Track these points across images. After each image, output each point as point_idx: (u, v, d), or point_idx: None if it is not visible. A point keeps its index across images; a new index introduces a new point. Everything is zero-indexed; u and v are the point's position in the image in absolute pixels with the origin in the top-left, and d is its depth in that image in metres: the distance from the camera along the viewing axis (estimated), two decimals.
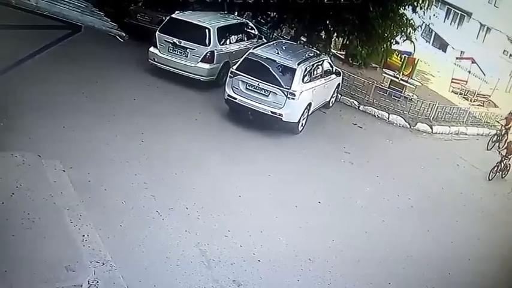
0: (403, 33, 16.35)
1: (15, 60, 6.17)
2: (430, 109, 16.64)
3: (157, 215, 8.14)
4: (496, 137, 16.81)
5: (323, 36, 16.40)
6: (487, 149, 16.06)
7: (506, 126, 16.92)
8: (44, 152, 8.12)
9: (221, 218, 8.52)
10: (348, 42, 17.94)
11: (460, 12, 33.51)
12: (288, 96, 11.63)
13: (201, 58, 13.00)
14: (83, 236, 6.82)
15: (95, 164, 8.85)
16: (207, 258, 7.54)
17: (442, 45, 34.15)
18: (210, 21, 13.48)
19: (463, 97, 22.04)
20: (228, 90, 12.02)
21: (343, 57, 19.81)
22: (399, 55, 19.40)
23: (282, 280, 7.60)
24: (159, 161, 9.61)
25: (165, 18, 13.78)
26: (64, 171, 7.96)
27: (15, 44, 10.11)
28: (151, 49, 13.26)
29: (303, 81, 12.06)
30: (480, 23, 32.14)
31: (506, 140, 16.23)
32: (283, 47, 13.14)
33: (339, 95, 15.47)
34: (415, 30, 16.63)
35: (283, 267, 7.82)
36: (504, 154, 14.02)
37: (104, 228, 7.22)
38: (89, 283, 6.08)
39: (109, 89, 11.86)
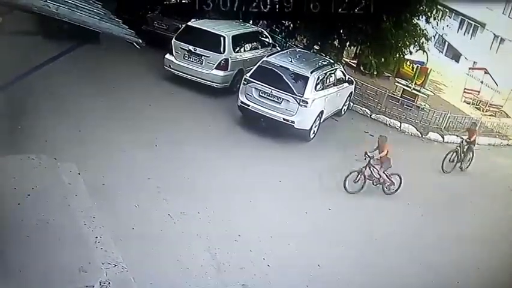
0: (416, 43, 16.38)
1: (33, 65, 6.32)
2: (441, 119, 16.57)
3: (169, 218, 8.25)
4: (454, 154, 13.47)
5: (336, 45, 16.48)
6: (443, 171, 13.17)
7: (469, 139, 13.69)
8: (60, 155, 8.30)
9: (232, 222, 8.60)
10: (360, 52, 18.01)
11: (473, 23, 33.31)
12: (301, 103, 11.71)
13: (215, 65, 13.15)
14: (96, 237, 6.93)
15: (109, 167, 9.00)
16: (217, 262, 7.62)
17: (455, 55, 33.95)
18: (225, 29, 13.64)
19: (475, 107, 21.87)
20: (242, 97, 12.14)
21: (355, 65, 19.84)
22: (411, 65, 19.36)
23: (291, 285, 7.66)
24: (172, 166, 9.73)
25: (181, 26, 13.97)
26: (79, 174, 8.11)
27: (31, 50, 10.39)
28: (167, 56, 13.45)
29: (315, 89, 12.14)
30: (494, 33, 31.93)
31: (470, 159, 13.71)
32: (297, 55, 13.25)
33: (351, 103, 15.50)
34: (428, 40, 16.64)
35: (292, 272, 7.87)
36: None
37: (117, 231, 7.32)
38: (100, 284, 6.17)
39: (125, 94, 12.03)
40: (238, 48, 13.74)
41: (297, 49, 15.38)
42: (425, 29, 16.27)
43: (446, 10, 17.04)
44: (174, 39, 13.44)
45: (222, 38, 13.26)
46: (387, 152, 10.85)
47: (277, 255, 8.10)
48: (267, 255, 8.04)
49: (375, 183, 11.06)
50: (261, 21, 17.73)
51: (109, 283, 6.29)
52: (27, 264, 5.92)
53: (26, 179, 7.34)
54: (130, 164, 9.36)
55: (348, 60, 19.71)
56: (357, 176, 10.79)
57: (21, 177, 7.35)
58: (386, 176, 11.00)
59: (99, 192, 8.14)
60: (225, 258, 7.72)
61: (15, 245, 6.16)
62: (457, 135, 14.43)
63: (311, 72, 12.09)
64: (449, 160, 13.34)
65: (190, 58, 13.23)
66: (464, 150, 13.59)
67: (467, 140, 13.59)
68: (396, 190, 11.15)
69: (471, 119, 17.79)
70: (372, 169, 10.89)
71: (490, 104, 21.86)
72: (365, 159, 10.77)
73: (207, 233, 8.15)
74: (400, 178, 11.11)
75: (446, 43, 33.16)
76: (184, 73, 13.28)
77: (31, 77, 6.33)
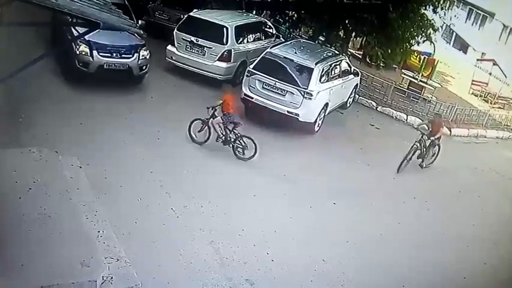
0: (423, 34, 16.16)
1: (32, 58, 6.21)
2: (449, 111, 16.39)
3: (172, 212, 8.19)
4: (411, 153, 11.75)
5: (341, 36, 16.29)
6: (398, 172, 11.63)
7: (435, 137, 11.97)
8: (61, 148, 8.24)
9: (235, 217, 8.53)
10: (366, 43, 17.83)
11: (482, 13, 32.86)
12: (305, 96, 11.57)
13: (218, 57, 13.01)
14: (98, 232, 6.87)
15: (111, 161, 8.93)
16: (220, 256, 7.56)
17: (463, 46, 33.55)
18: (228, 20, 13.49)
19: (483, 99, 21.63)
20: (245, 89, 12.00)
21: (361, 57, 19.65)
22: (418, 56, 19.13)
23: (295, 280, 7.58)
24: (174, 159, 9.66)
25: (183, 17, 13.83)
26: (81, 167, 8.05)
27: (31, 41, 10.27)
28: (169, 47, 13.31)
29: (320, 81, 11.99)
30: (503, 24, 31.48)
31: (434, 154, 12.24)
32: (301, 46, 13.10)
33: (357, 96, 15.34)
34: (435, 31, 16.42)
35: (296, 267, 7.79)
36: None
37: (119, 225, 7.26)
38: (103, 279, 6.12)
39: (126, 86, 11.92)
40: (241, 39, 13.59)
41: (301, 40, 15.21)
42: (432, 19, 16.05)
43: (454, 0, 16.73)
44: (175, 30, 13.30)
45: (224, 29, 13.11)
46: (229, 103, 10.14)
47: (281, 250, 8.03)
48: (270, 249, 7.97)
49: (221, 140, 10.26)
50: (264, 11, 17.54)
51: (111, 278, 6.23)
52: (29, 259, 5.88)
53: (27, 173, 7.30)
54: (133, 158, 9.29)
55: (353, 52, 19.52)
56: (201, 125, 10.20)
57: (22, 170, 7.30)
58: (235, 134, 10.20)
59: (101, 185, 8.09)
60: (229, 253, 7.66)
61: (16, 239, 6.12)
62: (416, 128, 12.32)
63: (316, 64, 11.94)
64: (407, 160, 11.70)
65: (193, 49, 13.09)
66: (426, 145, 11.99)
67: (430, 136, 11.93)
68: (250, 157, 10.17)
69: (479, 112, 17.58)
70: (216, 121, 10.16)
71: (499, 96, 21.60)
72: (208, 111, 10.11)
73: (210, 227, 8.09)
74: (255, 144, 10.14)
75: (454, 34, 32.77)
76: (187, 65, 13.14)
77: (31, 69, 6.23)
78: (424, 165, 12.19)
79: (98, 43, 10.75)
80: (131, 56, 11.29)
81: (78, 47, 10.72)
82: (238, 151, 10.30)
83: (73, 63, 10.91)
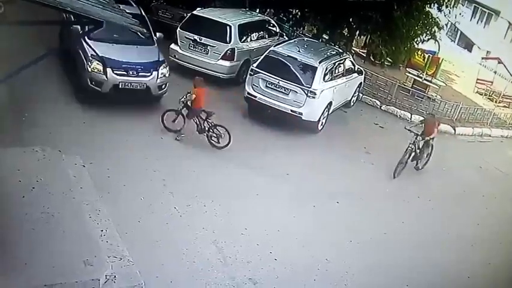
0: (427, 32, 16.08)
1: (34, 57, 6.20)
2: (453, 110, 16.30)
3: (175, 211, 8.19)
4: (407, 156, 11.33)
5: (345, 34, 16.24)
6: (394, 177, 11.25)
7: (429, 136, 11.66)
8: (64, 147, 8.24)
9: (238, 216, 8.51)
10: (370, 41, 17.78)
11: (487, 11, 32.67)
12: (309, 94, 11.54)
13: (221, 55, 13.00)
14: (101, 231, 6.88)
15: (114, 160, 8.92)
16: (223, 255, 7.55)
17: (468, 44, 33.39)
18: (231, 18, 13.47)
19: (488, 98, 21.50)
20: (248, 88, 11.98)
21: (365, 55, 19.57)
22: (422, 54, 19.03)
23: (298, 279, 7.57)
24: (177, 159, 9.65)
25: (186, 15, 13.82)
26: (84, 166, 8.06)
27: (33, 40, 10.26)
28: (172, 46, 13.30)
29: (324, 79, 11.95)
30: (509, 22, 31.27)
31: (428, 154, 11.82)
32: (305, 45, 13.05)
33: (361, 94, 15.27)
34: (440, 29, 16.34)
35: (299, 266, 7.78)
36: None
37: (122, 224, 7.26)
38: (106, 278, 6.13)
39: None
40: (244, 38, 13.57)
41: (305, 38, 15.17)
42: (437, 17, 15.96)
43: None
44: (179, 29, 13.29)
45: (228, 27, 13.09)
46: (199, 95, 10.19)
47: (284, 249, 8.01)
48: (274, 249, 7.96)
49: (198, 130, 10.32)
50: (268, 10, 17.50)
51: (115, 276, 6.24)
52: (32, 258, 5.89)
53: (31, 172, 7.30)
54: (135, 157, 9.27)
55: (357, 50, 19.44)
56: (175, 115, 10.21)
57: (25, 169, 7.31)
58: (209, 124, 10.24)
59: (105, 184, 8.09)
60: (232, 252, 7.66)
61: (20, 238, 6.12)
62: (409, 130, 11.60)
63: (319, 62, 11.90)
64: (403, 163, 11.34)
65: (196, 48, 13.07)
66: (421, 146, 11.57)
67: (425, 136, 11.49)
68: (225, 146, 10.25)
69: (484, 110, 17.47)
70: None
71: (504, 95, 21.47)
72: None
73: (213, 226, 8.08)
74: (228, 133, 10.24)
75: (459, 32, 32.62)
76: (190, 63, 13.10)
77: (34, 68, 6.23)
78: (420, 167, 11.88)
79: (112, 60, 10.12)
80: (150, 74, 10.51)
81: (90, 63, 10.03)
82: (213, 140, 10.35)
83: (85, 82, 10.14)
